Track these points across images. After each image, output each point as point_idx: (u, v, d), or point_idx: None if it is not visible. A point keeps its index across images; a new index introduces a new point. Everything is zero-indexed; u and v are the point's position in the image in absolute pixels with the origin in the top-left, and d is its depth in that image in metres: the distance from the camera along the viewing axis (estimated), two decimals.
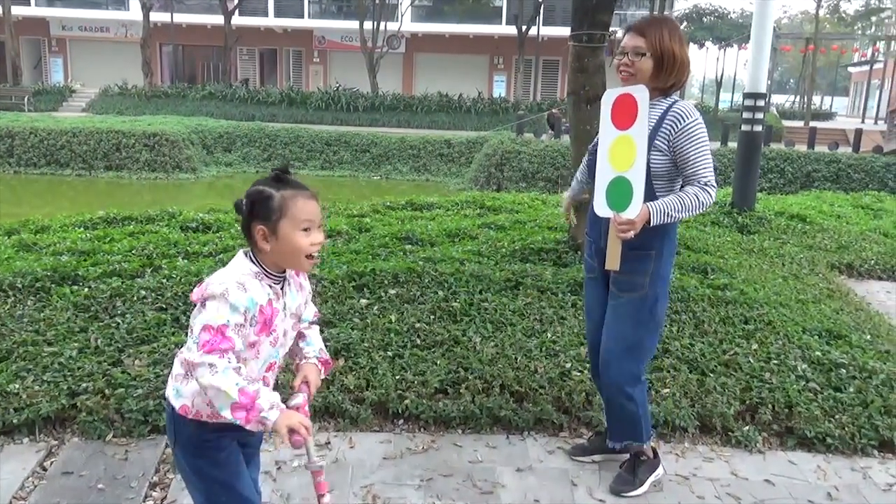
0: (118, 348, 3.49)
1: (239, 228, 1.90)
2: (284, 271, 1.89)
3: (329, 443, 3.09)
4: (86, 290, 3.99)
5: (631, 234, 2.51)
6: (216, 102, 27.55)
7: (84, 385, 3.18)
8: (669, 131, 2.56)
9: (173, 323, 3.75)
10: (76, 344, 3.48)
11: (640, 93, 2.50)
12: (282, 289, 1.88)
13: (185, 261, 4.65)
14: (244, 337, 1.78)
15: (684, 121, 2.54)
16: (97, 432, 3.04)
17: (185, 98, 27.83)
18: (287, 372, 2.86)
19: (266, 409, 1.73)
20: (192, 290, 1.85)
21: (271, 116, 26.01)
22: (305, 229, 1.81)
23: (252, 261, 1.84)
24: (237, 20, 31.29)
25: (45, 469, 2.87)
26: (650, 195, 2.57)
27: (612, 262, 2.61)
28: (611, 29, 4.92)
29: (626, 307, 2.69)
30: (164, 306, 3.88)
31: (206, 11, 33.06)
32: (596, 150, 2.71)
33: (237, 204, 1.83)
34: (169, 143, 19.32)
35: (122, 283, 4.09)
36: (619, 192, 2.56)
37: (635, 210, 2.51)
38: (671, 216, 2.53)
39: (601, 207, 2.63)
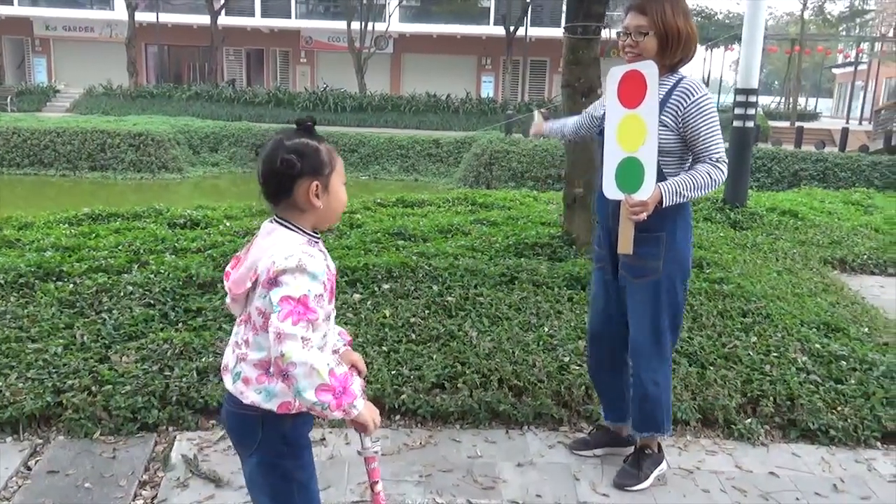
0: (105, 345, 3.39)
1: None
2: (317, 233, 1.75)
3: (324, 439, 3.00)
4: (71, 286, 3.89)
5: (643, 215, 2.44)
6: (202, 103, 27.30)
7: (70, 382, 3.08)
8: (677, 107, 2.49)
9: (161, 318, 3.65)
10: (61, 340, 3.37)
11: (649, 69, 2.42)
12: (321, 251, 1.74)
13: (174, 256, 4.55)
14: (324, 309, 1.64)
15: (693, 96, 2.48)
16: (84, 430, 2.94)
17: (171, 98, 27.56)
18: None
19: (359, 395, 1.62)
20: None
21: (258, 117, 25.80)
22: (343, 183, 1.74)
23: (292, 229, 1.69)
24: (223, 20, 31.07)
25: (29, 468, 2.76)
26: (659, 174, 2.51)
27: (625, 245, 2.53)
28: (602, 26, 4.88)
29: (644, 293, 2.62)
30: (151, 302, 3.78)
31: (191, 11, 32.81)
32: (599, 113, 2.67)
33: (285, 160, 1.61)
34: (154, 142, 19.10)
35: (109, 278, 3.99)
36: (629, 172, 2.49)
37: (647, 191, 2.45)
38: (684, 196, 2.47)
39: (611, 189, 2.56)
